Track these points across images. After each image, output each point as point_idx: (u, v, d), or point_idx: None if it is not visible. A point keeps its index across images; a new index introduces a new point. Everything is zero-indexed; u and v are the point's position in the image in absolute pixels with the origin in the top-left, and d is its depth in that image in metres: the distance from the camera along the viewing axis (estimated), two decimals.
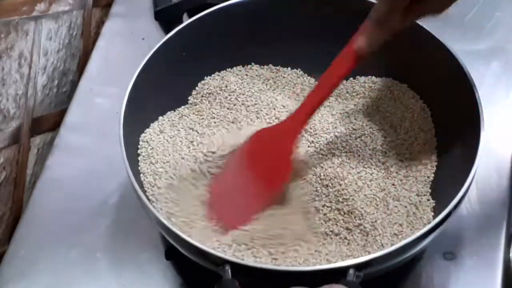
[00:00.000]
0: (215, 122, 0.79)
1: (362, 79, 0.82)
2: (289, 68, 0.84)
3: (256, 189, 0.71)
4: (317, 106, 0.71)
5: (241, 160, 0.73)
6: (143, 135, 0.77)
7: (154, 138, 0.77)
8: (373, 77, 0.82)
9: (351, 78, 0.82)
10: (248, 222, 0.69)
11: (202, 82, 0.82)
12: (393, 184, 0.73)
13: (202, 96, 0.81)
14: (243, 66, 0.84)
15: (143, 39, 0.94)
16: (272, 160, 0.72)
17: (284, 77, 0.84)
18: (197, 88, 0.82)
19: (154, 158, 0.75)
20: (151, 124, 0.78)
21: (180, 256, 0.67)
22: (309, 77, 0.84)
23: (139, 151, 0.75)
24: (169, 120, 0.79)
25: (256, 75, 0.83)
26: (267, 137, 0.72)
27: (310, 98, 0.71)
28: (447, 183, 0.71)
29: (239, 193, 0.72)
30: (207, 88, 0.81)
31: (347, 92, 0.82)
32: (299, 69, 0.84)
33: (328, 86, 0.71)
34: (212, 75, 0.83)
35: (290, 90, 0.83)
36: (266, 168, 0.72)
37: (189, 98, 0.81)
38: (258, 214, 0.70)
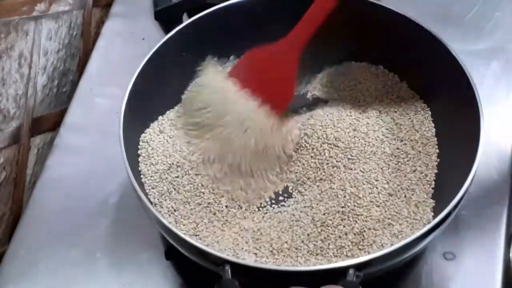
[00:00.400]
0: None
1: (362, 79, 0.82)
2: None
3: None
4: (316, 25, 0.73)
5: (248, 70, 0.77)
6: (143, 135, 0.77)
7: (154, 138, 0.77)
8: (373, 77, 0.82)
9: (355, 82, 0.82)
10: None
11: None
12: (393, 184, 0.73)
13: None
14: None
15: (143, 39, 0.93)
16: (276, 78, 0.75)
17: None
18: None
19: (155, 158, 0.75)
20: (151, 124, 0.78)
21: (180, 256, 0.67)
22: (308, 75, 0.84)
23: (139, 152, 0.75)
24: (168, 120, 0.79)
25: None
26: (267, 56, 0.76)
27: (308, 16, 0.73)
28: (447, 183, 0.71)
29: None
30: None
31: (347, 92, 0.82)
32: (299, 69, 0.84)
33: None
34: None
35: None
36: (272, 85, 0.75)
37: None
38: None
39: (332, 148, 0.75)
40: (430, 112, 0.78)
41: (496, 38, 0.90)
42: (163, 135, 0.77)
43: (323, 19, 0.75)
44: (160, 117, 0.79)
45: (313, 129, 0.77)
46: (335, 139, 0.76)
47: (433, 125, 0.77)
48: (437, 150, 0.75)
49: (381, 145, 0.76)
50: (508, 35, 0.90)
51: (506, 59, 0.88)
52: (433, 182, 0.73)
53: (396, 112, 0.79)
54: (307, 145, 0.76)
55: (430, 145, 0.76)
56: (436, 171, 0.74)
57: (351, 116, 0.79)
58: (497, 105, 0.83)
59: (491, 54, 0.88)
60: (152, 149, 0.76)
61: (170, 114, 0.80)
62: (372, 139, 0.76)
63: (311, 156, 0.75)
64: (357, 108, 0.80)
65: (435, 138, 0.76)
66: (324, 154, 0.75)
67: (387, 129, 0.77)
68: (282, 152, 0.75)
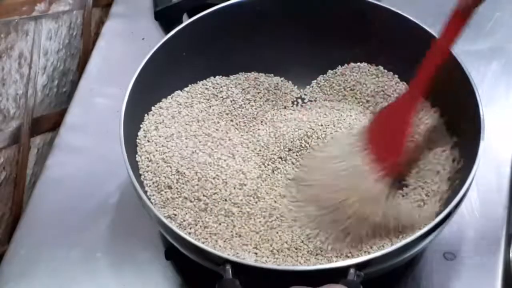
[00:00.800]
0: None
1: (362, 79, 0.82)
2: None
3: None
4: (432, 74, 0.71)
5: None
6: (141, 132, 0.76)
7: (153, 136, 0.77)
8: (373, 77, 0.82)
9: (355, 82, 0.82)
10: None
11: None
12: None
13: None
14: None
15: (143, 39, 0.93)
16: (393, 129, 0.73)
17: (285, 77, 0.84)
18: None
19: (155, 157, 0.75)
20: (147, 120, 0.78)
21: (180, 256, 0.67)
22: (309, 76, 0.84)
23: (137, 150, 0.75)
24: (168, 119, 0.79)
25: None
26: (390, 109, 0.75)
27: (425, 68, 0.71)
28: None
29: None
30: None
31: (347, 92, 0.82)
32: (299, 69, 0.84)
33: (441, 51, 0.71)
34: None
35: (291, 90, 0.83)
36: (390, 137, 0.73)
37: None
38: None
39: None
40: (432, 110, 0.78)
41: (496, 38, 0.90)
42: (163, 133, 0.77)
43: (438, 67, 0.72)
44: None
45: (313, 129, 0.77)
46: None
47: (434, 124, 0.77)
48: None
49: None
50: (508, 35, 0.90)
51: (506, 59, 0.88)
52: None
53: None
54: (307, 145, 0.76)
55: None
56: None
57: (351, 116, 0.79)
58: (497, 105, 0.83)
59: (491, 54, 0.88)
60: (152, 148, 0.76)
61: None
62: None
63: None
64: (357, 108, 0.80)
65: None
66: None
67: None
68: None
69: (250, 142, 0.78)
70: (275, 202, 0.73)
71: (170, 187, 0.73)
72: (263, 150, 0.77)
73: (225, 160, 0.75)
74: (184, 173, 0.73)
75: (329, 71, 0.83)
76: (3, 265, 0.76)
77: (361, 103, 0.81)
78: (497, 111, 0.82)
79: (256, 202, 0.73)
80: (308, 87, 0.84)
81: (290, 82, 0.84)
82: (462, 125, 0.72)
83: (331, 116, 0.79)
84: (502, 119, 0.82)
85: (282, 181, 0.75)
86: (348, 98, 0.82)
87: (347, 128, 0.77)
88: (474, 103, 0.70)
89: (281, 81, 0.84)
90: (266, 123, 0.80)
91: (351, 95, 0.82)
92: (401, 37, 0.78)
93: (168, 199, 0.72)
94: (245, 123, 0.80)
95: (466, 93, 0.71)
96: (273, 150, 0.76)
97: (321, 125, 0.77)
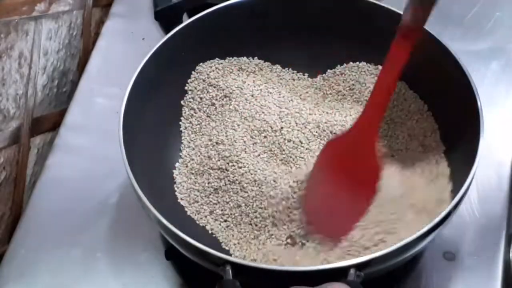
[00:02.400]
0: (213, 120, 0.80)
1: (362, 79, 0.82)
2: (290, 69, 0.84)
3: (352, 198, 0.70)
4: (387, 100, 0.70)
5: (324, 174, 0.71)
6: None
7: None
8: (373, 77, 0.82)
9: (354, 82, 0.82)
10: (351, 230, 0.68)
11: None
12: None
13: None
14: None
15: (143, 39, 0.94)
16: (359, 164, 0.70)
17: (284, 78, 0.84)
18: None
19: None
20: None
21: (180, 256, 0.67)
22: (309, 78, 0.84)
23: None
24: None
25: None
26: (344, 144, 0.71)
27: (377, 93, 0.69)
28: None
29: (335, 205, 0.70)
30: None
31: (346, 92, 0.82)
32: (299, 69, 0.84)
33: (391, 77, 0.69)
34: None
35: (291, 90, 0.83)
36: (356, 175, 0.70)
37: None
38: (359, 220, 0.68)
39: None
40: (430, 112, 0.78)
41: (496, 38, 0.90)
42: None
43: (393, 87, 0.70)
44: None
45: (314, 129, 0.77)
46: None
47: (437, 126, 0.77)
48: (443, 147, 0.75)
49: (382, 146, 0.76)
50: (508, 35, 0.90)
51: (506, 59, 0.88)
52: None
53: (397, 111, 0.79)
54: (303, 145, 0.77)
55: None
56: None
57: (350, 115, 0.79)
58: (497, 105, 0.83)
59: (491, 54, 0.88)
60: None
61: None
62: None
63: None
64: (356, 107, 0.80)
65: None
66: None
67: (389, 131, 0.78)
68: None
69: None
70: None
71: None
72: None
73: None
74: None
75: (328, 70, 0.83)
76: (3, 265, 0.76)
77: (360, 103, 0.81)
78: (497, 111, 0.82)
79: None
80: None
81: None
82: (461, 125, 0.72)
83: (330, 116, 0.79)
84: (502, 119, 0.82)
85: None
86: (347, 98, 0.82)
87: (346, 128, 0.77)
88: (474, 103, 0.70)
89: None
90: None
91: (350, 94, 0.82)
92: None
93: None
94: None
95: (466, 93, 0.71)
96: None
97: (320, 125, 0.77)
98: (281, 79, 0.83)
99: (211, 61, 0.82)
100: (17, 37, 0.81)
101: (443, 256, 0.73)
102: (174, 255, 0.73)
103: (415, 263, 0.72)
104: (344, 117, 0.78)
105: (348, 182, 0.70)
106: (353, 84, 0.82)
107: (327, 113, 0.79)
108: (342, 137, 0.72)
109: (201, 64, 0.81)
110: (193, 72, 0.81)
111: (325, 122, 0.77)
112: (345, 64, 0.83)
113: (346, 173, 0.70)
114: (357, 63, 0.83)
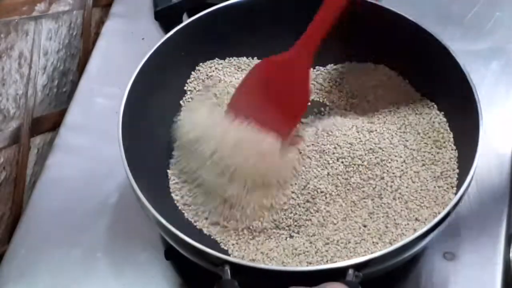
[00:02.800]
0: None
1: (363, 78, 0.82)
2: None
3: (276, 115, 0.72)
4: (323, 33, 0.72)
5: (253, 88, 0.73)
6: None
7: None
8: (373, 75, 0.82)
9: (354, 81, 0.82)
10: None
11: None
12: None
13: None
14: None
15: (143, 39, 0.94)
16: (287, 89, 0.73)
17: None
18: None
19: None
20: None
21: (180, 256, 0.67)
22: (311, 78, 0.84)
23: None
24: None
25: None
26: (276, 66, 0.73)
27: (314, 25, 0.72)
28: None
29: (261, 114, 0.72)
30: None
31: (345, 92, 0.82)
32: None
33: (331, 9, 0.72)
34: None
35: None
36: (283, 97, 0.72)
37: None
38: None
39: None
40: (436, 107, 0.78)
41: (496, 38, 0.90)
42: None
43: (333, 20, 0.73)
44: None
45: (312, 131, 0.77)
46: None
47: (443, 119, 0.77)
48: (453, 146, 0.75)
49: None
50: (508, 35, 0.90)
51: (506, 59, 0.87)
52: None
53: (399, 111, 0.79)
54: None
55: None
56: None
57: (349, 115, 0.79)
58: (497, 105, 0.83)
59: (491, 54, 0.87)
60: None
61: None
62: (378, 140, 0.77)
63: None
64: (358, 108, 0.80)
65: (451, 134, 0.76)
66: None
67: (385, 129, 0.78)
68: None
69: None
70: None
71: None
72: None
73: None
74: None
75: (328, 70, 0.83)
76: (3, 265, 0.76)
77: (360, 102, 0.81)
78: (497, 111, 0.82)
79: None
80: None
81: None
82: (461, 124, 0.72)
83: (331, 116, 0.79)
84: (502, 119, 0.82)
85: None
86: (347, 97, 0.82)
87: (351, 130, 0.77)
88: (474, 103, 0.70)
89: None
90: None
91: (349, 94, 0.82)
92: (401, 38, 0.78)
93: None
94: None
95: (465, 93, 0.71)
96: None
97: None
98: None
99: (211, 61, 0.82)
100: (17, 37, 0.81)
101: (443, 256, 0.73)
102: (174, 255, 0.73)
103: (415, 263, 0.72)
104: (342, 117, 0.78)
105: (274, 104, 0.72)
106: (352, 84, 0.82)
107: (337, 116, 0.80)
108: (278, 57, 0.74)
109: (200, 64, 0.81)
110: (192, 72, 0.81)
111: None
112: (344, 64, 0.83)
113: (277, 91, 0.73)
114: (357, 63, 0.83)
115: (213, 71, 0.82)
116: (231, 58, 0.83)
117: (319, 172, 0.72)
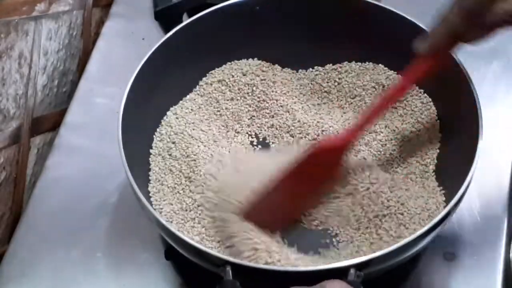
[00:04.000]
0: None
1: (363, 78, 0.82)
2: (289, 69, 0.84)
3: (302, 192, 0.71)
4: (369, 126, 0.71)
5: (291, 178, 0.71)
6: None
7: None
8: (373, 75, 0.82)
9: (354, 81, 0.82)
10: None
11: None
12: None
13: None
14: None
15: (143, 39, 0.94)
16: (321, 170, 0.71)
17: (283, 77, 0.84)
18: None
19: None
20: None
21: (180, 256, 0.67)
22: (310, 78, 0.84)
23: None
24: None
25: None
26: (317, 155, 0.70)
27: (365, 118, 0.70)
28: (447, 183, 0.71)
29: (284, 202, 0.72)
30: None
31: (345, 92, 0.82)
32: (299, 69, 0.84)
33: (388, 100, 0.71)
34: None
35: (291, 90, 0.83)
36: (315, 176, 0.71)
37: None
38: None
39: None
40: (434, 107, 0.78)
41: (496, 38, 0.89)
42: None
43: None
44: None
45: (308, 129, 0.77)
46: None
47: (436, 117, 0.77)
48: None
49: (384, 146, 0.76)
50: (508, 35, 0.89)
51: (506, 59, 0.88)
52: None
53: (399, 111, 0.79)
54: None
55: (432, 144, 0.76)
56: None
57: (352, 114, 0.79)
58: (497, 105, 0.83)
59: (491, 54, 0.87)
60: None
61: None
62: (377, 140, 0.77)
63: None
64: (356, 108, 0.80)
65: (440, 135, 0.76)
66: None
67: (391, 129, 0.78)
68: None
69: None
70: None
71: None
72: None
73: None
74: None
75: (327, 70, 0.83)
76: (3, 265, 0.76)
77: (359, 102, 0.81)
78: (497, 111, 0.82)
79: None
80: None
81: None
82: (461, 124, 0.72)
83: (329, 115, 0.79)
84: (502, 119, 0.82)
85: None
86: (346, 97, 0.82)
87: (345, 127, 0.77)
88: (473, 103, 0.70)
89: None
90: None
91: (349, 94, 0.82)
92: (401, 38, 0.77)
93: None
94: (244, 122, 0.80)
95: (465, 93, 0.71)
96: None
97: (318, 123, 0.77)
98: (281, 78, 0.83)
99: (211, 61, 0.82)
100: (17, 37, 0.81)
101: (443, 256, 0.73)
102: (174, 255, 0.73)
103: (415, 263, 0.72)
104: (342, 115, 0.78)
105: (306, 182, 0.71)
106: (352, 84, 0.82)
107: (316, 113, 0.80)
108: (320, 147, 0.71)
109: (200, 64, 0.81)
110: (193, 72, 0.81)
111: (317, 122, 0.78)
112: (344, 63, 0.83)
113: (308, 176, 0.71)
114: (357, 62, 0.83)
115: (213, 71, 0.82)
116: (231, 63, 0.83)
117: None
